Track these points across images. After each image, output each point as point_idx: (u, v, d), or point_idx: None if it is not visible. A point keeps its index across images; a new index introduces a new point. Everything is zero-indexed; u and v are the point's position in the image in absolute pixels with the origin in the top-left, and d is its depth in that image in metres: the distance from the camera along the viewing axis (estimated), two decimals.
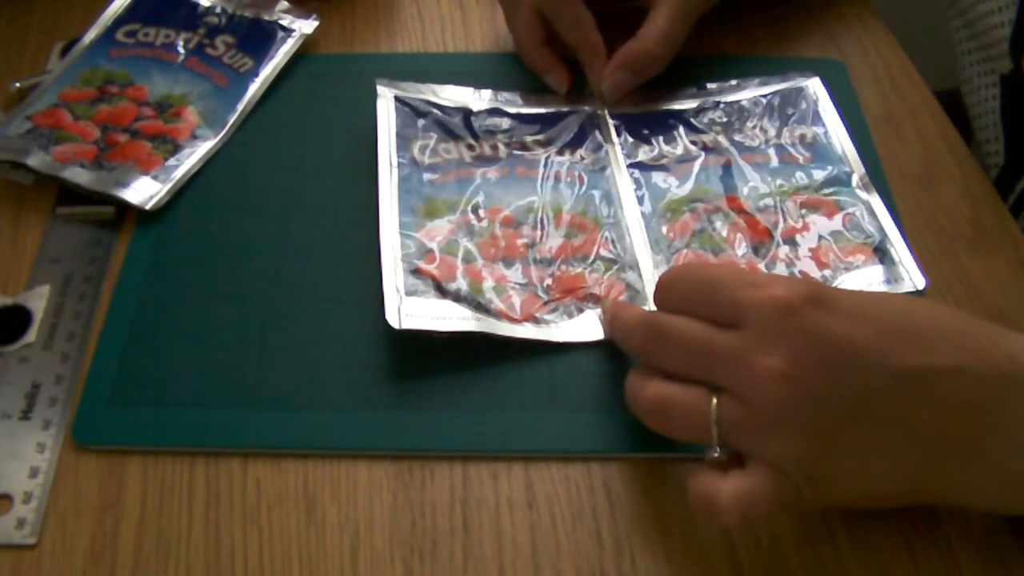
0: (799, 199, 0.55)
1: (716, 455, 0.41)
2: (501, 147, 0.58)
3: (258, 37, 0.64)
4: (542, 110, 0.60)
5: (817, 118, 0.59)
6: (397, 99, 0.59)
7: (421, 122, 0.58)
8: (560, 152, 0.58)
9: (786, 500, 0.40)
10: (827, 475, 0.40)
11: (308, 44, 0.64)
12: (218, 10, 0.65)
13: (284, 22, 0.65)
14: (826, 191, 0.55)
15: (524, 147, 0.58)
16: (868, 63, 0.64)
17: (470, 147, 0.57)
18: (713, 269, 0.44)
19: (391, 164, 0.56)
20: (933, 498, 0.42)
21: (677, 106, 0.60)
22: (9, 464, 0.46)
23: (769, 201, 0.55)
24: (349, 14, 0.67)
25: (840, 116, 0.59)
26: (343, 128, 0.59)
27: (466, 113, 0.59)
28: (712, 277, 0.42)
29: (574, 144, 0.58)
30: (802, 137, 0.58)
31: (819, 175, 0.56)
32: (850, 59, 0.64)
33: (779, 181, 0.56)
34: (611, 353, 0.49)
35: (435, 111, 0.59)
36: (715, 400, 0.41)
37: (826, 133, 0.58)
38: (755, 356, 0.40)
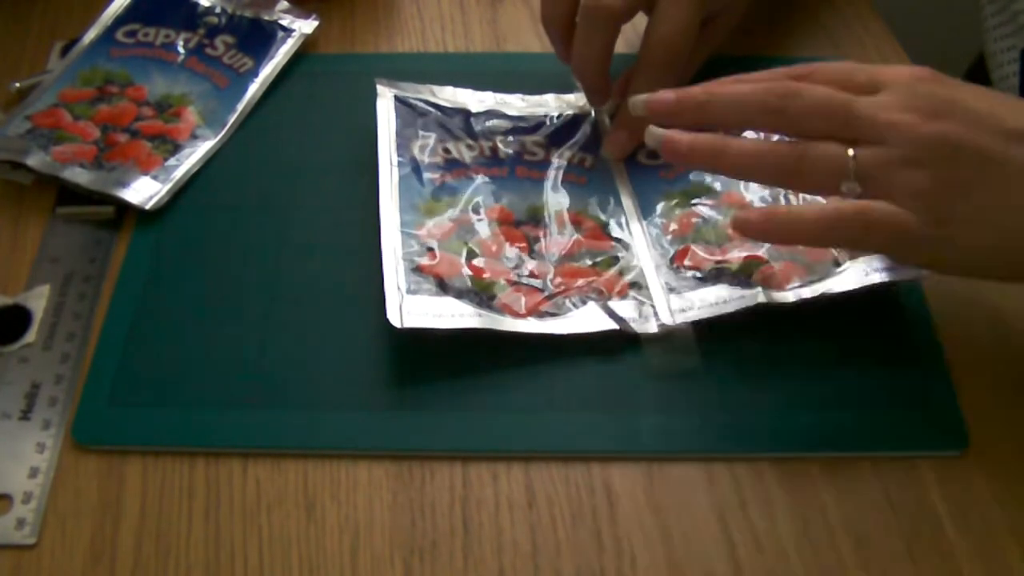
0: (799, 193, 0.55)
1: (848, 188, 0.44)
2: (501, 148, 0.58)
3: (258, 37, 0.64)
4: (541, 112, 0.60)
5: None
6: (397, 98, 0.59)
7: (421, 121, 0.58)
8: (560, 154, 0.58)
9: (906, 227, 0.43)
10: (954, 220, 0.43)
11: (308, 44, 0.64)
12: (218, 10, 0.65)
13: (284, 22, 0.65)
14: None
15: (524, 149, 0.58)
16: (868, 63, 0.64)
17: (470, 147, 0.57)
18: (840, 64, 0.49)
19: (391, 163, 0.56)
20: None
21: None
22: (9, 464, 0.46)
23: (769, 197, 0.55)
24: (349, 14, 0.67)
25: None
26: (343, 128, 0.59)
27: (465, 114, 0.59)
28: (844, 65, 0.48)
29: (574, 146, 0.58)
30: None
31: None
32: (850, 58, 0.64)
33: None
34: (612, 353, 0.49)
35: (434, 111, 0.59)
36: (851, 151, 0.44)
37: None
38: (895, 109, 0.44)
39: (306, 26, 0.65)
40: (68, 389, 0.48)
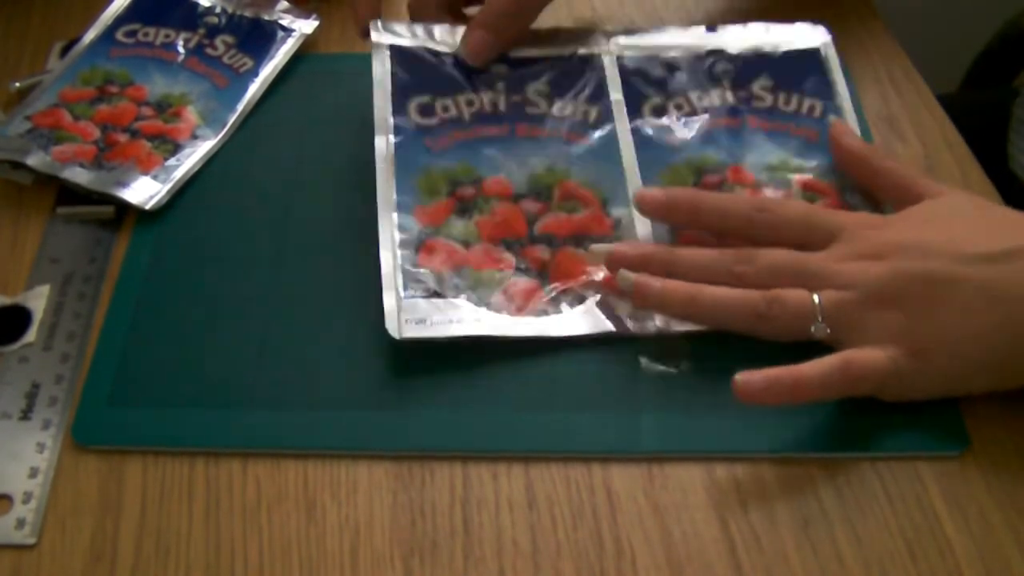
0: (803, 179, 0.54)
1: (816, 329, 0.47)
2: (501, 100, 0.57)
3: (258, 37, 0.64)
4: (540, 52, 0.59)
5: (828, 89, 0.58)
6: (392, 48, 0.58)
7: (417, 79, 0.57)
8: (563, 107, 0.57)
9: (886, 367, 0.45)
10: (927, 349, 0.45)
11: (308, 44, 0.64)
12: (218, 10, 0.65)
13: (284, 22, 0.65)
14: (830, 178, 0.55)
15: (525, 100, 0.57)
16: (868, 63, 0.64)
17: (469, 102, 0.57)
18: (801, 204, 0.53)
19: (388, 134, 0.55)
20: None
21: (686, 41, 0.60)
22: (9, 464, 0.46)
23: (777, 175, 0.54)
24: (349, 14, 0.67)
25: (849, 88, 0.58)
26: (343, 128, 0.59)
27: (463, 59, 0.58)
28: (803, 214, 0.50)
29: (576, 94, 0.57)
30: (811, 108, 0.57)
31: (825, 160, 0.55)
32: (850, 60, 0.64)
33: (786, 152, 0.55)
34: (611, 352, 0.49)
35: (431, 58, 0.58)
36: (816, 296, 0.47)
37: (838, 108, 0.57)
38: (844, 260, 0.48)
39: (306, 26, 0.65)
40: (68, 389, 0.48)
